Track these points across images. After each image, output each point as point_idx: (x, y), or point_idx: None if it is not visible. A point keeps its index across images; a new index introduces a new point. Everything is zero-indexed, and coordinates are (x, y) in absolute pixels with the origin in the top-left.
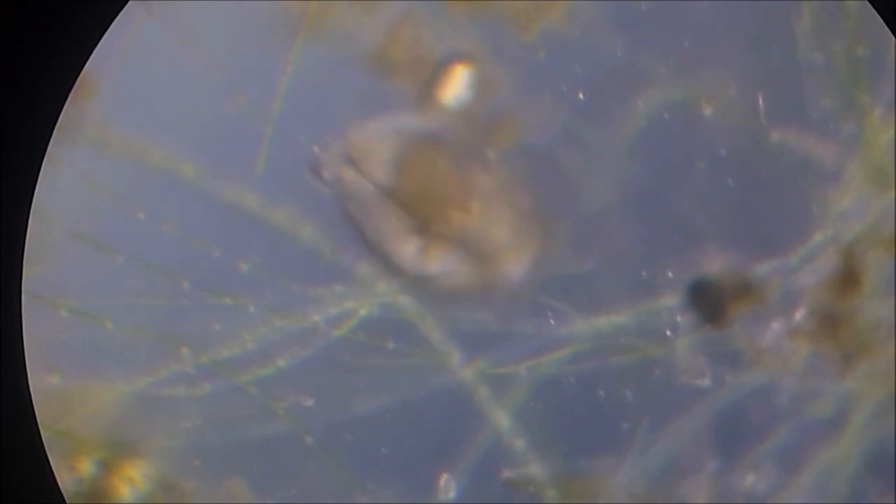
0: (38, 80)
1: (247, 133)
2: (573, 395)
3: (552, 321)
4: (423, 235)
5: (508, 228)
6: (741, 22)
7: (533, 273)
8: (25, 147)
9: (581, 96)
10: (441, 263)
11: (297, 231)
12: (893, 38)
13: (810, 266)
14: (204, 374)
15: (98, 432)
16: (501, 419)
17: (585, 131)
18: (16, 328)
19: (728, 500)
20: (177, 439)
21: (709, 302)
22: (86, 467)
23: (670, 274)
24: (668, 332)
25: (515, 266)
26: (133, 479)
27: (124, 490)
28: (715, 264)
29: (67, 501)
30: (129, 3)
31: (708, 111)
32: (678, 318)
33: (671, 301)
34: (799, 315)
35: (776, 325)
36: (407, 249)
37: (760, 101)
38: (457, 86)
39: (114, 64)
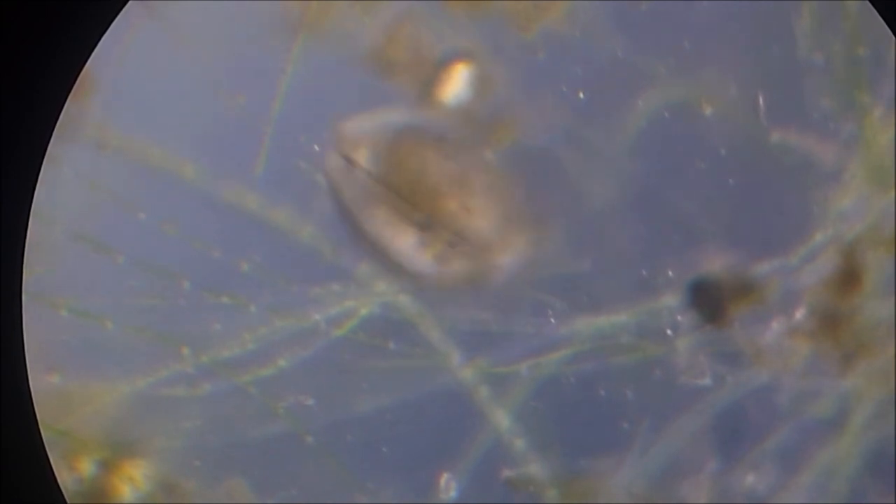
0: (38, 80)
1: (247, 133)
2: (573, 394)
3: (552, 321)
4: (419, 230)
5: (505, 220)
6: (741, 22)
7: (533, 272)
8: (25, 147)
9: (581, 96)
10: (439, 258)
11: (296, 231)
12: (893, 38)
13: (810, 266)
14: (204, 374)
15: (98, 432)
16: (502, 419)
17: (585, 131)
18: (16, 328)
19: (728, 500)
20: (177, 439)
21: (709, 301)
22: (86, 467)
23: (670, 273)
24: (669, 332)
25: (512, 257)
26: (133, 478)
27: (125, 490)
28: (715, 264)
29: (68, 501)
30: (129, 3)
31: (708, 111)
32: (678, 318)
33: (671, 300)
34: (799, 315)
35: (776, 325)
36: (404, 244)
37: (760, 101)
38: (456, 84)
39: (114, 64)
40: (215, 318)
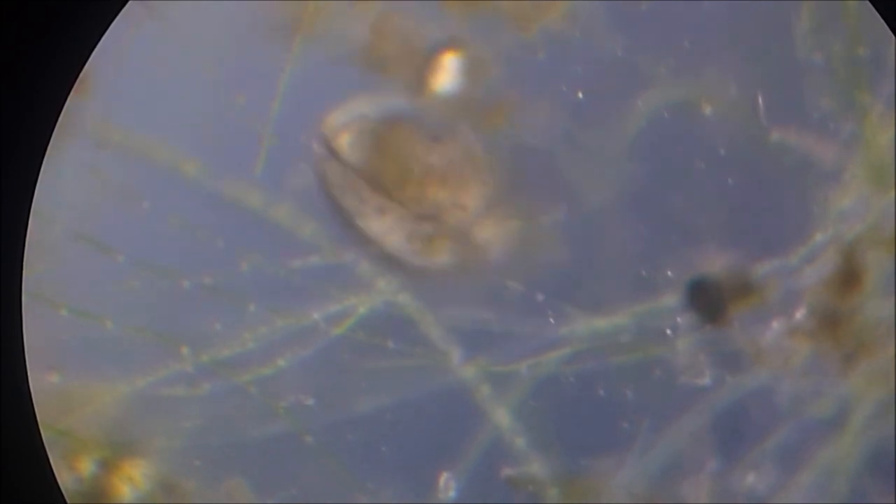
0: (38, 80)
1: (247, 132)
2: (573, 394)
3: (552, 320)
4: (416, 224)
5: (498, 211)
6: (741, 22)
7: (532, 271)
8: (25, 147)
9: (581, 96)
10: (439, 252)
11: (296, 230)
12: (893, 37)
13: (810, 266)
14: (204, 373)
15: (98, 432)
16: (502, 418)
17: (585, 131)
18: (16, 328)
19: (728, 500)
20: (177, 439)
21: (709, 301)
22: (86, 467)
23: (670, 273)
24: (669, 332)
25: (504, 249)
26: (133, 478)
27: (124, 490)
28: (715, 264)
29: (67, 501)
30: (129, 3)
31: (708, 111)
32: (678, 318)
33: (671, 300)
34: (799, 315)
35: (776, 325)
36: (397, 237)
37: (760, 101)
38: (447, 74)
39: (114, 64)
40: (215, 318)
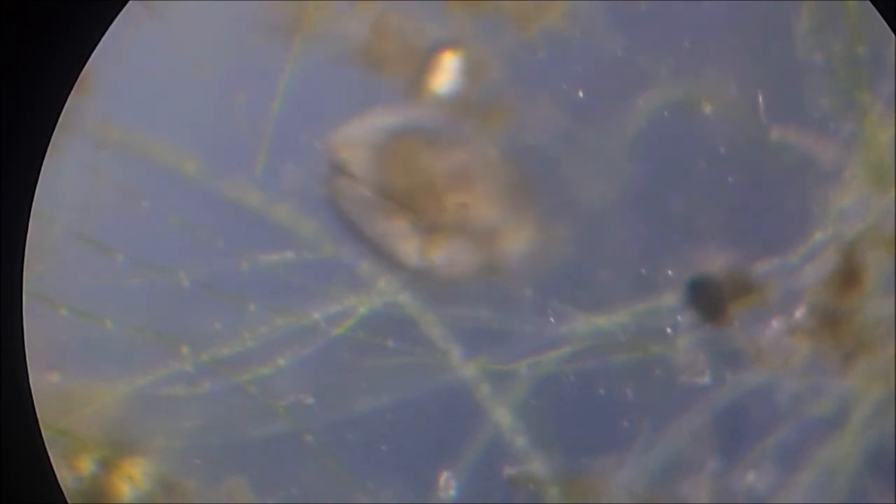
0: (38, 80)
1: (247, 132)
2: (573, 393)
3: (552, 319)
4: (421, 227)
5: (504, 216)
6: (741, 22)
7: (533, 270)
8: (25, 147)
9: (581, 95)
10: (442, 253)
11: (296, 229)
12: (893, 37)
13: (810, 265)
14: (204, 372)
15: (98, 431)
16: (502, 417)
17: (585, 130)
18: (16, 328)
19: (728, 499)
20: (177, 438)
21: (709, 300)
22: (86, 466)
23: (670, 272)
24: (669, 331)
25: (512, 253)
26: (133, 478)
27: (125, 489)
28: (715, 263)
29: (68, 500)
30: (129, 3)
31: (708, 110)
32: (678, 317)
33: (671, 299)
34: (799, 314)
35: (776, 324)
36: (408, 243)
37: (760, 100)
38: (447, 73)
39: (114, 64)
40: (215, 317)
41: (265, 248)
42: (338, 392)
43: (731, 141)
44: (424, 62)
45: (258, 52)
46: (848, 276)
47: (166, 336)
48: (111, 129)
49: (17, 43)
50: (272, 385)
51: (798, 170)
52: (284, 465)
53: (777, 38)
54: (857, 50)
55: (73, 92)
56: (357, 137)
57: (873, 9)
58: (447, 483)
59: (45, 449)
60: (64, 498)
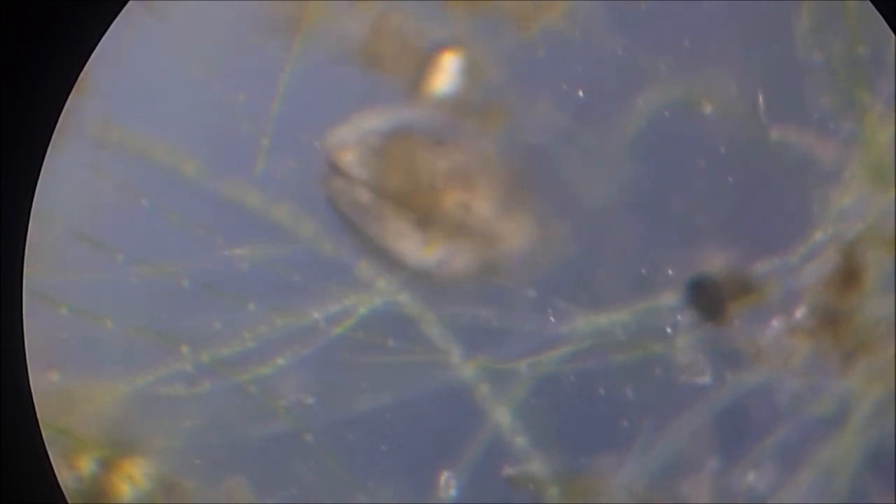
0: (38, 80)
1: (246, 131)
2: (573, 392)
3: (552, 318)
4: (421, 227)
5: (503, 215)
6: (741, 22)
7: (533, 269)
8: (25, 147)
9: (581, 95)
10: (442, 252)
11: (296, 229)
12: (893, 37)
13: (810, 264)
14: (204, 372)
15: (98, 431)
16: (502, 417)
17: (585, 130)
18: (16, 327)
19: (728, 499)
20: (177, 438)
21: (709, 300)
22: (86, 466)
23: (670, 272)
24: (669, 330)
25: (511, 252)
26: (133, 477)
27: (125, 489)
28: (715, 262)
29: (68, 500)
30: (129, 3)
31: (708, 110)
32: (678, 316)
33: (671, 299)
34: (799, 313)
35: (776, 324)
36: (407, 242)
37: (760, 100)
38: (446, 74)
39: (114, 64)
40: (215, 317)
41: (265, 247)
42: (338, 392)
43: (731, 141)
44: (424, 62)
45: (258, 51)
46: (848, 275)
47: (166, 336)
48: (111, 129)
49: (17, 43)
50: (272, 385)
51: (798, 170)
52: (284, 465)
53: (777, 38)
54: (857, 50)
55: (72, 92)
56: (357, 137)
57: (873, 9)
58: (447, 483)
59: (45, 448)
60: (64, 498)
